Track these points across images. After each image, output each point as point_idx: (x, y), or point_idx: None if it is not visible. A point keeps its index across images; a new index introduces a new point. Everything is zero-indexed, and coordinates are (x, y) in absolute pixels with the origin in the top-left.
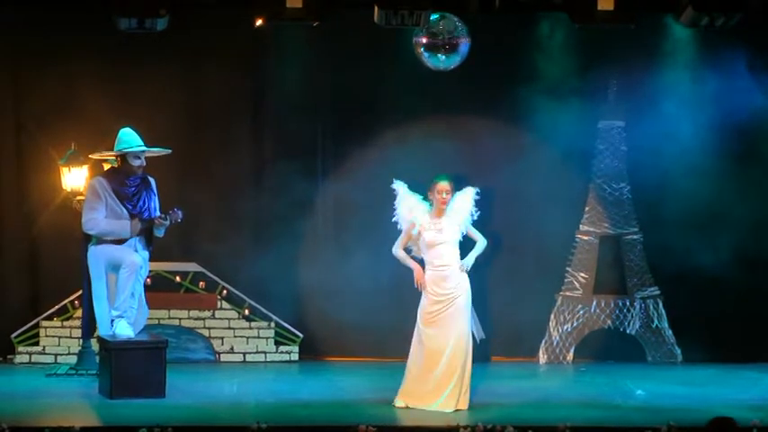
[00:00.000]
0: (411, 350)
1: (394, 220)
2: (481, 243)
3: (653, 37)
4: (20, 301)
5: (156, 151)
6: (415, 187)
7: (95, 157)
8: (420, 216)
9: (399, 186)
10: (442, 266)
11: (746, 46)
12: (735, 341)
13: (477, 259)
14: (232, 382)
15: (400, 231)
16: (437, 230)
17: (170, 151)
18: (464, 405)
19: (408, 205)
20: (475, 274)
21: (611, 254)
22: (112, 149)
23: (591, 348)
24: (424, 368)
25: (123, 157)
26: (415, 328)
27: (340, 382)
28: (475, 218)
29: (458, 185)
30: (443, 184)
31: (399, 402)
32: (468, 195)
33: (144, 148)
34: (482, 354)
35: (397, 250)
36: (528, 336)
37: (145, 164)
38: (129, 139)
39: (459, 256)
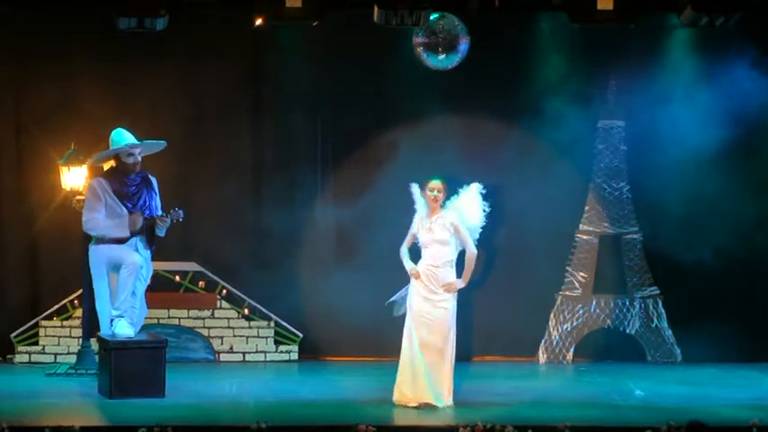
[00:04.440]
0: (402, 348)
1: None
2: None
3: (653, 37)
4: (20, 300)
5: (148, 144)
6: None
7: (91, 163)
8: (418, 217)
9: (415, 188)
10: (432, 266)
11: (747, 45)
12: (735, 341)
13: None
14: (232, 381)
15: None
16: (427, 230)
17: (164, 144)
18: (450, 401)
19: (419, 206)
20: (475, 273)
21: (610, 253)
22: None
23: (591, 348)
24: (414, 365)
25: (117, 156)
26: (405, 327)
27: (340, 382)
28: (486, 211)
29: (458, 185)
30: (434, 183)
31: (395, 397)
32: (472, 193)
33: (133, 142)
34: (481, 353)
35: (402, 247)
36: (528, 336)
37: (139, 160)
38: (118, 138)
39: (449, 255)
